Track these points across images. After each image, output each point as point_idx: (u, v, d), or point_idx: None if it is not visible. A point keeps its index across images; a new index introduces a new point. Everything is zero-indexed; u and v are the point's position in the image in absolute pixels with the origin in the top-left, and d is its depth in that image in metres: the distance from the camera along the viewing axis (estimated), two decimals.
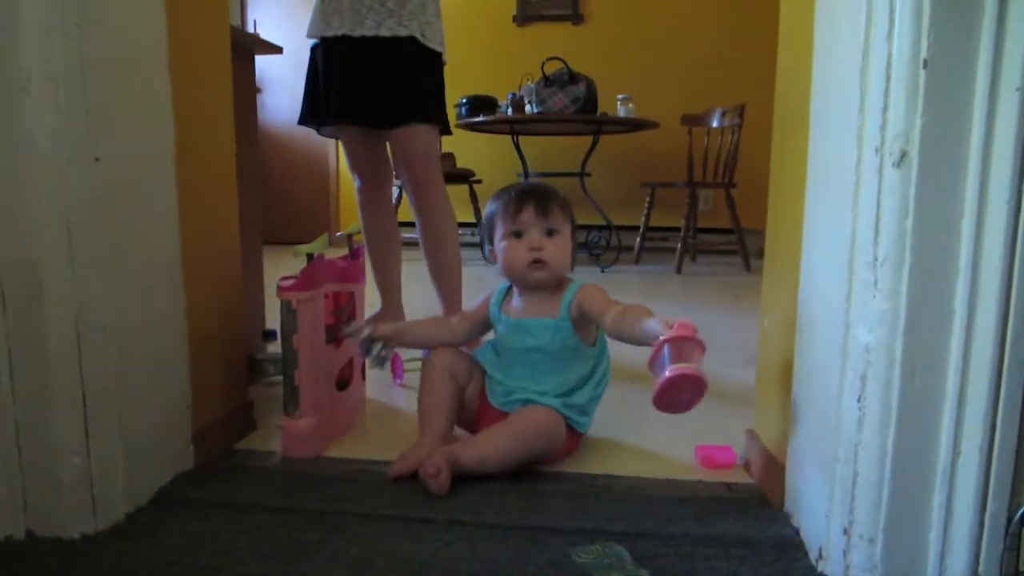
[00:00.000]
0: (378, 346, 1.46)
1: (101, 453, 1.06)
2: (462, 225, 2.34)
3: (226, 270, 1.47)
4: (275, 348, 1.90)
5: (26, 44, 0.97)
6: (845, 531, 0.90)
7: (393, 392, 1.87)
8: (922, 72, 0.79)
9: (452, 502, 1.18)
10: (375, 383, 1.85)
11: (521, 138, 4.74)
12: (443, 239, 2.06)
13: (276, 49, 2.12)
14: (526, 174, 4.67)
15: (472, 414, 1.44)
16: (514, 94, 4.43)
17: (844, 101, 0.90)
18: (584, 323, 1.37)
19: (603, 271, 4.25)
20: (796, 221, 1.10)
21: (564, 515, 1.13)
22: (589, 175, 4.57)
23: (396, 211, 2.29)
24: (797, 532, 1.08)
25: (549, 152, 5.05)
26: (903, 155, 0.81)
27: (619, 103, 4.50)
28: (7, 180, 0.99)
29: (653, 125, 4.43)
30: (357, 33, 1.86)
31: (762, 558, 1.01)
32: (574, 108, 4.20)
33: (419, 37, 1.88)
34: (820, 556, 0.97)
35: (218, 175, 1.44)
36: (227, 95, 1.47)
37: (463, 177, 4.73)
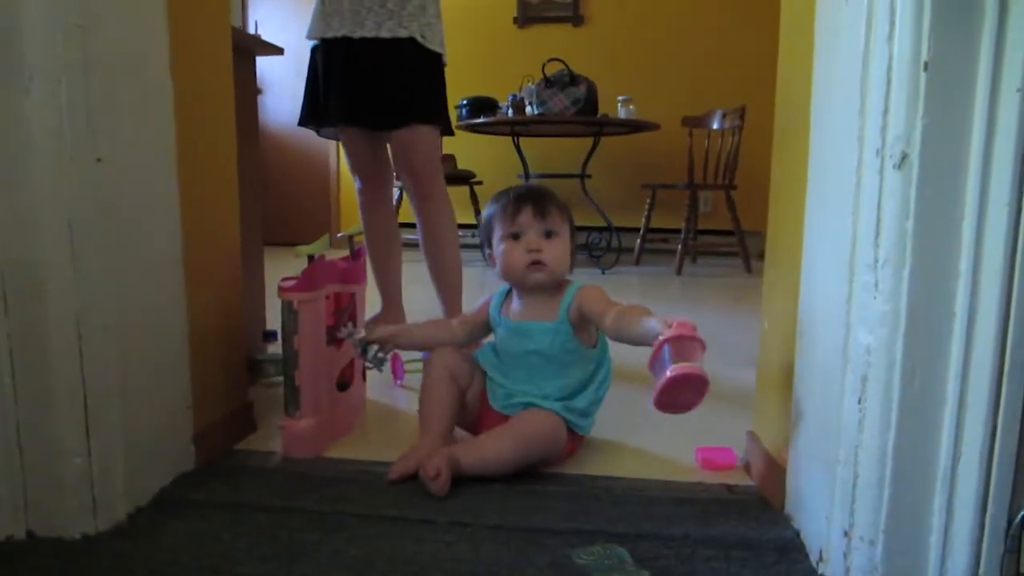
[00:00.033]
0: (374, 348, 1.46)
1: (102, 453, 1.07)
2: (463, 227, 2.34)
3: (227, 271, 1.47)
4: (276, 349, 1.90)
5: (28, 43, 0.97)
6: (846, 533, 0.90)
7: (394, 393, 1.87)
8: (923, 74, 0.79)
9: (453, 503, 1.18)
10: (376, 384, 1.85)
11: (522, 139, 4.74)
12: (443, 240, 2.06)
13: (277, 50, 2.13)
14: (527, 175, 4.67)
15: (474, 416, 1.44)
16: (515, 95, 4.44)
17: (845, 103, 0.90)
18: (584, 325, 1.36)
19: (603, 272, 4.25)
20: (797, 223, 1.10)
21: (565, 516, 1.13)
22: (590, 176, 4.57)
23: (397, 212, 2.29)
24: (798, 534, 1.08)
25: (550, 153, 5.05)
26: (904, 157, 0.81)
27: (620, 105, 4.50)
28: (9, 180, 0.99)
29: (654, 127, 4.43)
30: (357, 34, 1.87)
31: (763, 560, 1.01)
32: (575, 110, 4.20)
33: (419, 38, 1.88)
34: (821, 558, 0.97)
35: (219, 175, 1.44)
36: (228, 96, 1.47)
37: (464, 178, 4.73)
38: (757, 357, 1.35)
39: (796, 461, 1.11)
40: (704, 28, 5.19)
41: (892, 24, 0.81)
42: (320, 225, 5.67)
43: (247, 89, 1.94)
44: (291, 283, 1.36)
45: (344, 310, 1.56)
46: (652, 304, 1.29)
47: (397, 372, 1.92)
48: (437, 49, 1.93)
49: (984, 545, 0.82)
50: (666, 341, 1.06)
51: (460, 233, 2.15)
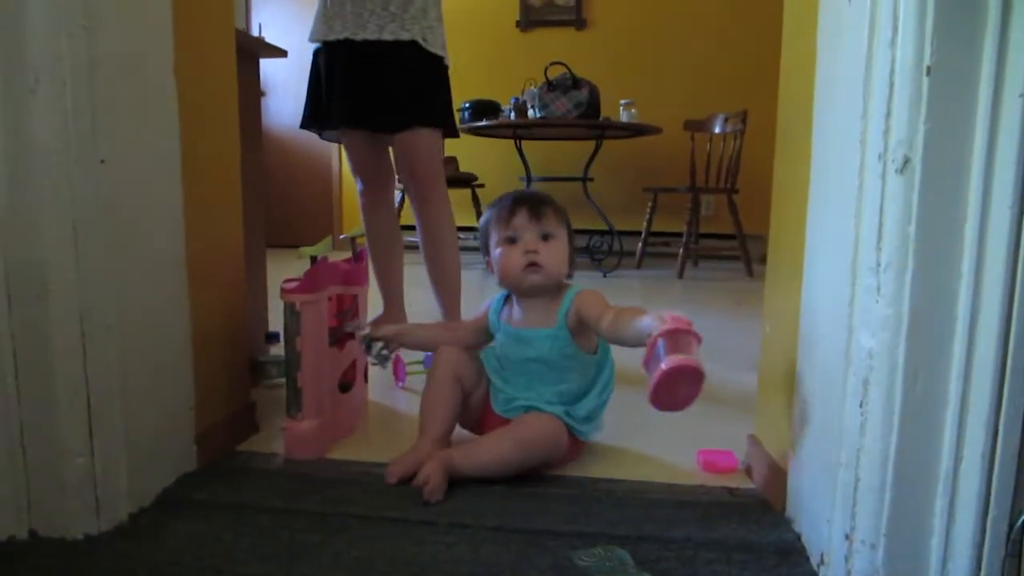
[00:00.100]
0: (378, 345, 1.47)
1: (105, 453, 1.07)
2: (464, 229, 2.34)
3: (230, 272, 1.47)
4: (278, 350, 1.90)
5: (33, 45, 0.98)
6: (847, 536, 0.90)
7: (395, 395, 1.87)
8: (925, 79, 0.79)
9: (453, 505, 1.18)
10: (377, 386, 1.85)
11: (524, 143, 4.75)
12: (443, 242, 2.06)
13: (280, 52, 2.13)
14: (528, 178, 4.68)
15: (477, 417, 1.44)
16: (517, 99, 4.45)
17: (847, 107, 0.90)
18: (583, 331, 1.35)
19: (605, 276, 4.25)
20: (799, 226, 1.11)
21: (566, 518, 1.13)
22: (591, 180, 4.57)
23: (399, 214, 2.30)
24: (799, 537, 1.08)
25: (552, 157, 5.06)
26: (906, 161, 0.81)
27: (622, 108, 4.51)
28: (13, 181, 1.00)
29: (656, 130, 4.43)
30: (359, 37, 1.87)
31: (764, 563, 1.01)
32: (577, 113, 4.21)
33: (421, 41, 1.88)
34: (822, 561, 0.97)
35: (223, 177, 1.44)
36: (232, 98, 1.47)
37: (465, 181, 4.74)
38: (759, 360, 1.35)
39: (798, 464, 1.11)
40: (706, 32, 5.20)
41: (895, 29, 0.81)
42: (323, 227, 5.68)
43: (251, 91, 1.94)
44: (294, 285, 1.36)
45: (346, 312, 1.56)
46: (653, 307, 1.28)
47: (399, 374, 1.93)
48: (439, 52, 1.93)
49: (985, 549, 0.82)
50: (660, 336, 1.03)
51: (462, 236, 2.16)
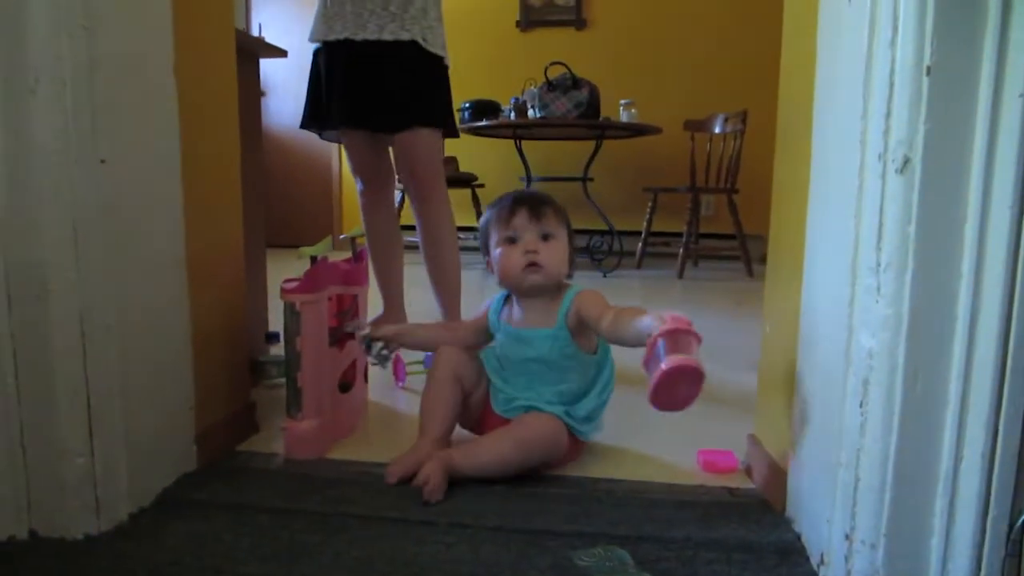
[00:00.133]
0: (378, 345, 1.48)
1: (105, 453, 1.07)
2: (464, 229, 2.34)
3: (230, 272, 1.47)
4: (278, 350, 1.90)
5: (33, 45, 0.98)
6: (847, 536, 0.90)
7: (395, 395, 1.87)
8: (925, 79, 0.79)
9: (453, 505, 1.18)
10: (377, 386, 1.85)
11: (524, 143, 4.75)
12: (442, 242, 2.07)
13: (281, 52, 2.13)
14: (529, 178, 4.68)
15: (478, 417, 1.44)
16: (517, 99, 4.45)
17: (847, 107, 0.90)
18: (583, 331, 1.35)
19: (605, 276, 4.25)
20: (799, 226, 1.11)
21: (566, 518, 1.13)
22: (591, 180, 4.57)
23: (399, 214, 2.30)
24: (799, 537, 1.08)
25: (552, 157, 5.06)
26: (906, 161, 0.81)
27: (622, 108, 4.51)
28: (14, 181, 1.00)
29: (656, 130, 4.43)
30: (359, 37, 1.87)
31: (764, 563, 1.01)
32: (577, 113, 4.21)
33: (421, 41, 1.88)
34: (822, 561, 0.97)
35: (223, 177, 1.44)
36: (232, 98, 1.47)
37: (466, 181, 4.74)
38: (759, 360, 1.35)
39: (798, 464, 1.11)
40: (706, 32, 5.20)
41: (895, 29, 0.81)
42: (323, 227, 5.68)
43: (251, 91, 1.94)
44: (294, 285, 1.36)
45: (346, 312, 1.56)
46: (653, 308, 1.28)
47: (399, 374, 1.93)
48: (439, 52, 1.93)
49: (985, 549, 0.82)
50: (660, 336, 1.03)
51: (462, 236, 2.16)
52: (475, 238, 1.57)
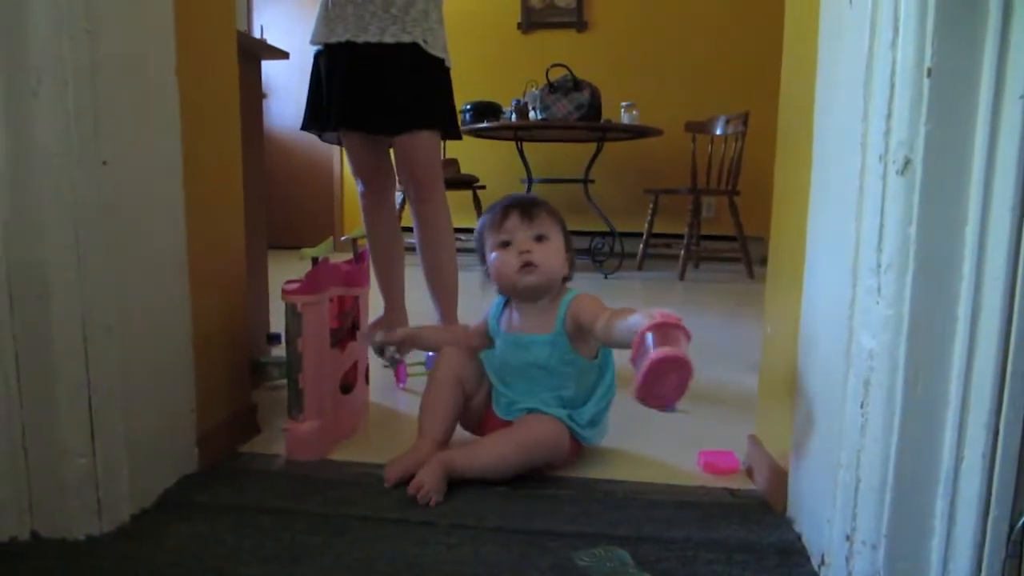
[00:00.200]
0: (391, 350, 1.52)
1: (106, 455, 1.07)
2: (465, 231, 2.34)
3: (231, 273, 1.47)
4: (279, 351, 1.91)
5: (35, 47, 0.98)
6: (847, 537, 0.90)
7: (396, 396, 1.87)
8: (926, 80, 0.79)
9: (454, 506, 1.18)
10: (378, 387, 1.85)
11: (525, 144, 4.75)
12: (440, 243, 2.07)
13: (282, 54, 2.14)
14: (529, 180, 4.68)
15: (480, 419, 1.44)
16: (518, 100, 4.45)
17: (848, 109, 0.90)
18: (582, 336, 1.33)
19: (606, 277, 4.25)
20: (800, 228, 1.11)
21: (566, 519, 1.13)
22: (593, 182, 4.57)
23: (400, 215, 2.30)
24: (799, 538, 1.08)
25: (553, 158, 5.06)
26: (907, 163, 0.81)
27: (623, 110, 4.51)
28: (16, 182, 1.00)
29: (657, 132, 4.43)
30: (361, 39, 1.87)
31: (764, 563, 1.01)
32: (578, 115, 4.21)
33: (422, 44, 1.89)
34: (823, 562, 0.97)
35: (224, 178, 1.44)
36: (234, 99, 1.48)
37: (467, 183, 4.74)
38: (760, 361, 1.35)
39: (798, 465, 1.11)
40: (707, 34, 5.20)
41: (896, 30, 0.82)
42: (324, 228, 5.69)
43: (252, 93, 1.95)
44: (295, 286, 1.36)
45: (348, 313, 1.57)
46: (655, 309, 1.28)
47: (400, 375, 1.93)
48: (439, 54, 1.94)
49: (986, 550, 0.82)
50: (648, 330, 1.02)
51: (463, 237, 2.16)
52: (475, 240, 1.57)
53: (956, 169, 0.80)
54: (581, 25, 5.43)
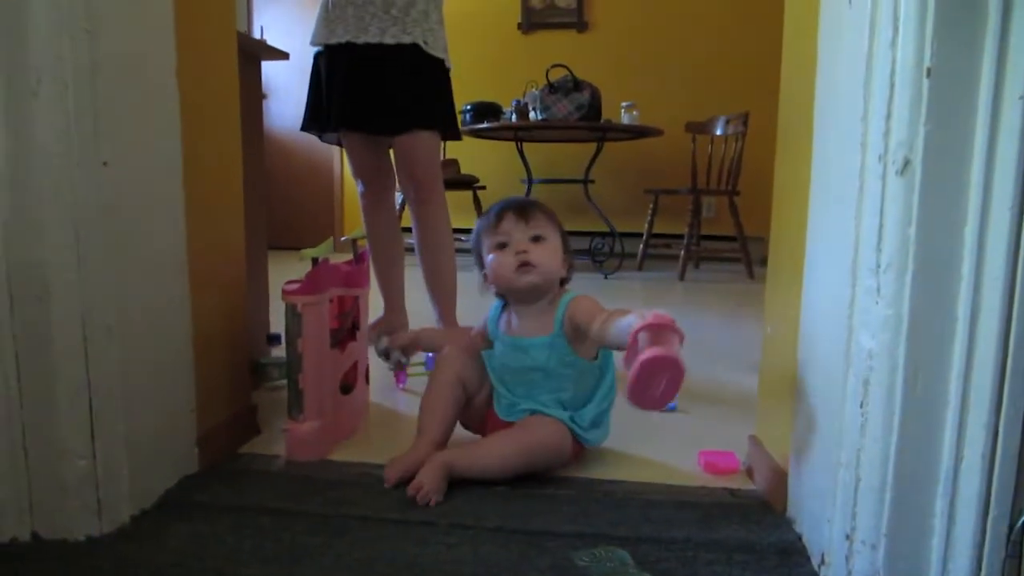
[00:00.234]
0: (396, 353, 1.55)
1: (106, 455, 1.07)
2: (466, 231, 2.34)
3: (231, 273, 1.47)
4: (279, 352, 1.91)
5: (35, 47, 0.98)
6: (847, 537, 0.90)
7: (396, 396, 1.87)
8: (926, 81, 0.79)
9: (454, 506, 1.18)
10: (378, 387, 1.86)
11: (525, 145, 4.75)
12: (440, 245, 2.07)
13: (282, 55, 2.14)
14: (530, 180, 4.68)
15: (482, 419, 1.44)
16: (518, 101, 4.45)
17: (848, 109, 0.90)
18: (580, 338, 1.33)
19: (606, 278, 4.25)
20: (799, 228, 1.11)
21: (566, 519, 1.14)
22: (593, 182, 4.58)
23: (400, 216, 2.30)
24: (800, 538, 1.08)
25: (553, 159, 5.06)
26: (906, 163, 0.81)
27: (623, 110, 4.51)
28: (16, 182, 1.00)
29: (657, 132, 4.44)
30: (361, 40, 1.87)
31: (764, 563, 1.01)
32: (578, 115, 4.21)
33: (422, 44, 1.89)
34: (823, 562, 0.97)
35: (224, 179, 1.45)
36: (234, 99, 1.48)
37: (467, 183, 4.74)
38: (760, 361, 1.35)
39: (798, 465, 1.11)
40: (707, 34, 5.20)
41: (895, 30, 0.82)
42: (324, 228, 5.69)
43: (252, 93, 1.95)
44: (295, 286, 1.36)
45: (348, 313, 1.57)
46: (654, 309, 1.28)
47: (400, 376, 1.93)
48: (439, 55, 1.94)
49: (986, 549, 0.82)
50: (640, 330, 1.02)
51: (463, 238, 2.16)
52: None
53: (955, 169, 0.80)
54: (581, 25, 5.43)
